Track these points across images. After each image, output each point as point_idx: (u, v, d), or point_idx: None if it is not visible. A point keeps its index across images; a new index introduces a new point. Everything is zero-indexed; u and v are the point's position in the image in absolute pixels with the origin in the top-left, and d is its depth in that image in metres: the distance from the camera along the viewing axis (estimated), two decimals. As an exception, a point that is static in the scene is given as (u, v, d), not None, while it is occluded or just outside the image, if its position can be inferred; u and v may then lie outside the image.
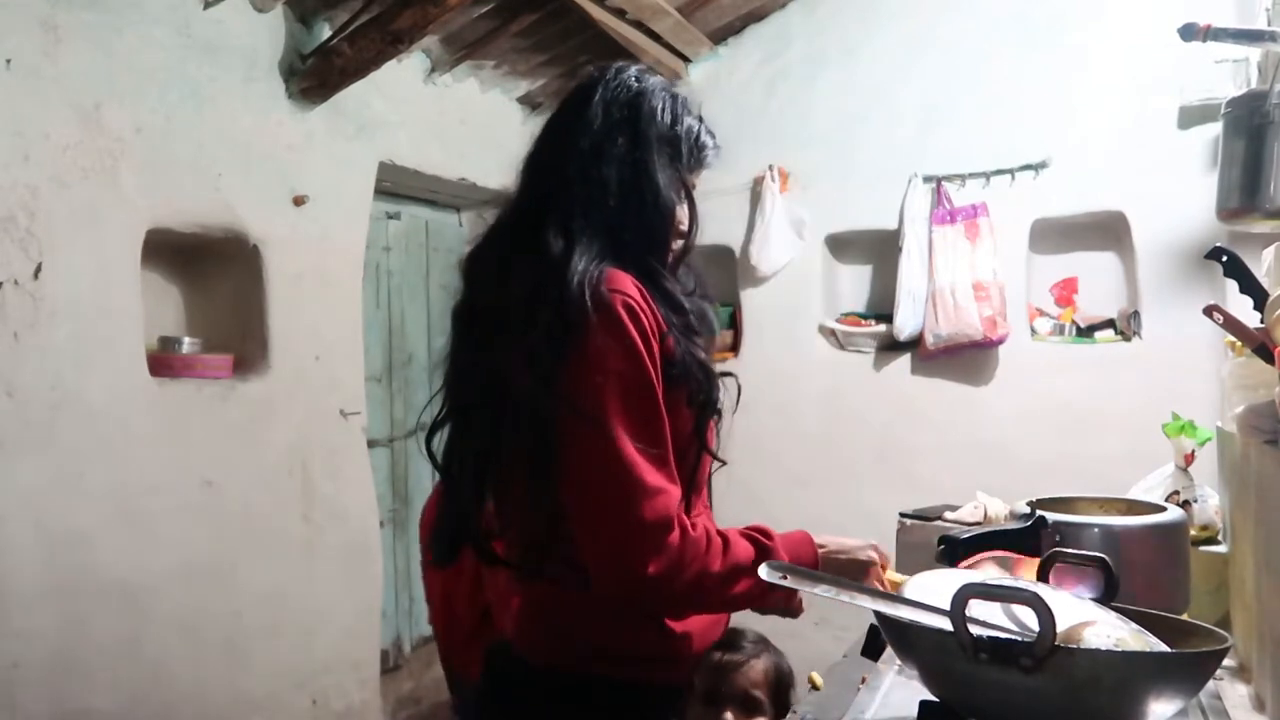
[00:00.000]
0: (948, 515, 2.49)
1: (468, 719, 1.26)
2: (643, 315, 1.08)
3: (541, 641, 1.18)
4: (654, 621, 1.16)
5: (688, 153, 1.23)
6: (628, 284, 1.09)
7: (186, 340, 2.66)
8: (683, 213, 1.23)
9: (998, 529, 1.51)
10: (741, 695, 1.63)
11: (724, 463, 1.25)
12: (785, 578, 1.08)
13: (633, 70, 1.24)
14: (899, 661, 1.30)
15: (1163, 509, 1.48)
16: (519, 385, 1.08)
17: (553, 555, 1.14)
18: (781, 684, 1.64)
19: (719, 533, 1.15)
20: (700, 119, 1.27)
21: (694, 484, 1.19)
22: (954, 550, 1.47)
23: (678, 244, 1.24)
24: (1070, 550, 1.29)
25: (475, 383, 1.17)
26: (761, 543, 1.17)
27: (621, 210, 1.15)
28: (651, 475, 1.06)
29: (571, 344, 1.05)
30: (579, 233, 1.12)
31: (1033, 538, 1.41)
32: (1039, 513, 1.42)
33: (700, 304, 1.24)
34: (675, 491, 1.09)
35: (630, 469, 1.04)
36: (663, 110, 1.21)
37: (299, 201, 2.83)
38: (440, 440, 1.20)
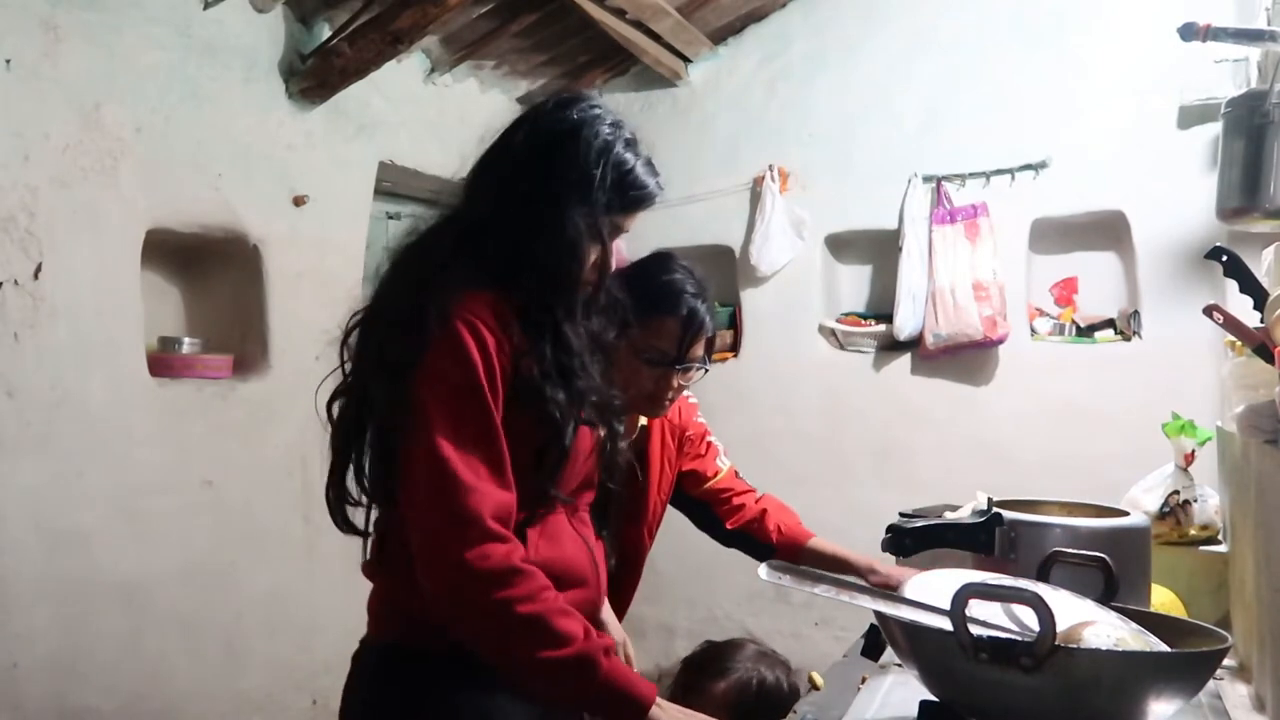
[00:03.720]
0: (948, 515, 2.49)
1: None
2: (488, 334, 1.13)
3: (390, 626, 1.24)
4: None
5: (614, 194, 1.21)
6: (483, 309, 1.14)
7: (186, 340, 2.66)
8: (595, 253, 1.22)
9: (949, 522, 1.52)
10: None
11: (564, 500, 1.24)
12: (784, 577, 1.09)
13: (580, 104, 1.24)
14: (899, 661, 1.30)
15: (1125, 514, 1.48)
16: (373, 383, 1.17)
17: (398, 544, 1.18)
18: (756, 708, 1.60)
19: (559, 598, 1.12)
20: (640, 157, 1.24)
21: (537, 503, 1.20)
22: (901, 540, 1.47)
23: (593, 280, 1.24)
24: (1070, 550, 1.29)
25: (368, 364, 1.22)
26: (591, 636, 1.11)
27: (525, 242, 1.18)
28: (467, 473, 1.09)
29: (415, 354, 1.12)
30: (468, 255, 1.18)
31: (986, 534, 1.41)
32: (995, 510, 1.43)
33: (599, 358, 1.27)
34: (498, 494, 1.11)
35: (443, 465, 1.08)
36: (589, 148, 1.20)
37: (299, 201, 2.83)
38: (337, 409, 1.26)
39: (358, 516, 1.27)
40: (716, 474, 1.97)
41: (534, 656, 1.08)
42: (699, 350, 1.66)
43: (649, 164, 1.26)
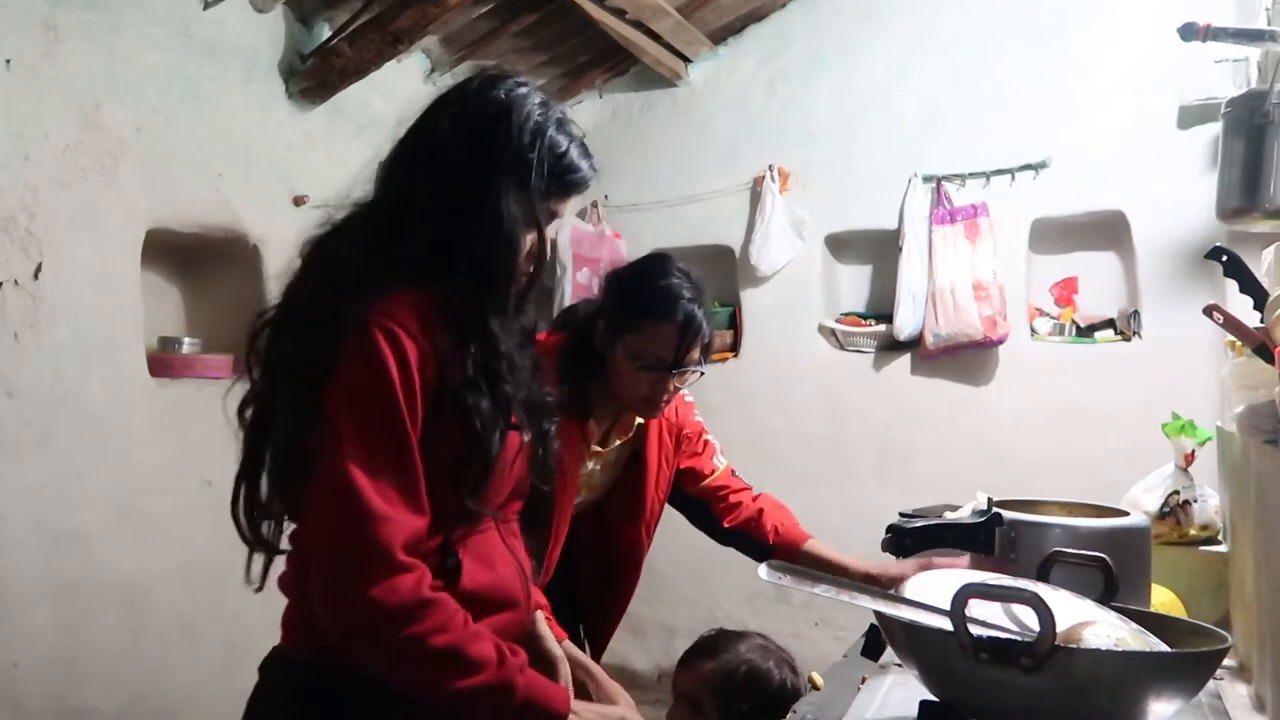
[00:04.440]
0: (948, 515, 2.49)
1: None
2: (408, 342, 1.04)
3: (309, 638, 1.13)
4: None
5: (547, 177, 1.13)
6: (403, 311, 1.05)
7: (186, 340, 2.66)
8: (530, 242, 1.14)
9: (949, 522, 1.51)
10: (688, 695, 1.64)
11: (492, 515, 1.16)
12: (784, 577, 1.08)
13: (506, 83, 1.15)
14: (899, 661, 1.30)
15: (1125, 514, 1.48)
16: (282, 390, 1.09)
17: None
18: (732, 691, 1.61)
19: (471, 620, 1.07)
20: (575, 138, 1.17)
21: (465, 519, 1.12)
22: (901, 540, 1.47)
23: (528, 271, 1.16)
24: (1070, 550, 1.29)
25: (275, 370, 1.14)
26: (506, 658, 1.06)
27: (452, 234, 1.09)
28: (379, 501, 1.01)
29: (330, 362, 1.04)
30: (386, 253, 1.08)
31: (986, 534, 1.41)
32: (995, 510, 1.43)
33: (531, 354, 1.19)
34: (411, 522, 1.03)
35: (353, 492, 1.00)
36: (521, 130, 1.11)
37: (299, 201, 2.83)
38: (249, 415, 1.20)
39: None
40: (713, 472, 1.98)
41: (450, 687, 1.03)
42: (695, 354, 1.65)
43: (583, 145, 1.19)
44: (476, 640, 1.05)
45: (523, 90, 1.16)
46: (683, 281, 1.65)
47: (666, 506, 2.00)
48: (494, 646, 1.06)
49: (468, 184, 1.10)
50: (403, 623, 1.01)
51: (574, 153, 1.16)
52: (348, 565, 1.01)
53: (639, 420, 1.82)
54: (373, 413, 1.03)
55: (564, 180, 1.16)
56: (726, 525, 1.94)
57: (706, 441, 1.99)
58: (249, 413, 1.18)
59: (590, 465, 1.81)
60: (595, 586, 1.97)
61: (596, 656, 1.88)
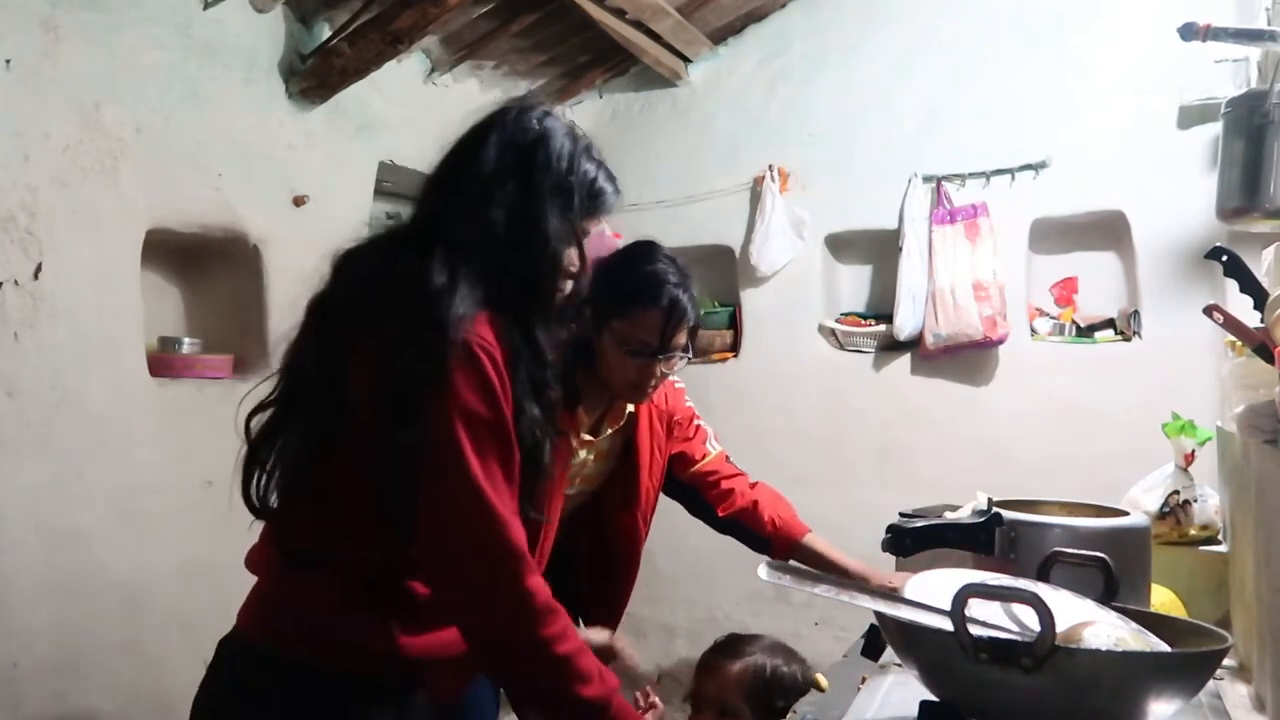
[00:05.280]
0: (948, 515, 2.49)
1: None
2: (500, 361, 1.13)
3: (275, 629, 1.22)
4: (391, 622, 1.17)
5: (582, 200, 1.24)
6: (488, 333, 1.13)
7: (186, 340, 2.66)
8: (572, 259, 1.25)
9: (949, 522, 1.52)
10: (716, 700, 1.62)
11: (544, 519, 1.29)
12: (784, 577, 1.09)
13: (536, 112, 1.26)
14: (899, 661, 1.30)
15: (1125, 514, 1.48)
16: (375, 409, 1.12)
17: (332, 553, 1.17)
18: (766, 689, 1.61)
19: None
20: (600, 164, 1.28)
21: (528, 527, 1.20)
22: (901, 540, 1.47)
23: (566, 287, 1.26)
24: (1070, 550, 1.29)
25: (315, 380, 1.20)
26: (606, 675, 1.17)
27: (507, 256, 1.18)
28: (503, 507, 1.11)
29: (435, 384, 1.10)
30: (461, 274, 1.15)
31: (986, 534, 1.41)
32: (995, 510, 1.43)
33: (558, 364, 1.27)
34: (523, 531, 1.13)
35: (482, 498, 1.09)
36: (559, 157, 1.22)
37: (299, 201, 2.83)
38: (259, 421, 1.27)
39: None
40: (705, 457, 1.99)
41: (570, 692, 1.12)
42: (681, 339, 1.69)
43: (607, 170, 1.29)
44: (585, 654, 1.15)
45: (554, 120, 1.26)
46: (668, 268, 1.69)
47: (667, 500, 2.01)
48: (595, 662, 1.16)
49: (519, 211, 1.19)
50: (538, 623, 1.11)
51: (602, 176, 1.27)
52: (495, 567, 1.10)
53: (630, 409, 1.83)
54: (486, 426, 1.11)
55: (595, 202, 1.26)
56: (721, 514, 1.95)
57: (698, 427, 2.01)
58: (261, 417, 1.26)
59: (583, 455, 1.82)
60: (594, 579, 1.98)
61: None
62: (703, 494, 1.98)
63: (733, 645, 1.72)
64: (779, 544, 1.91)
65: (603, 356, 1.70)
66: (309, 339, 1.24)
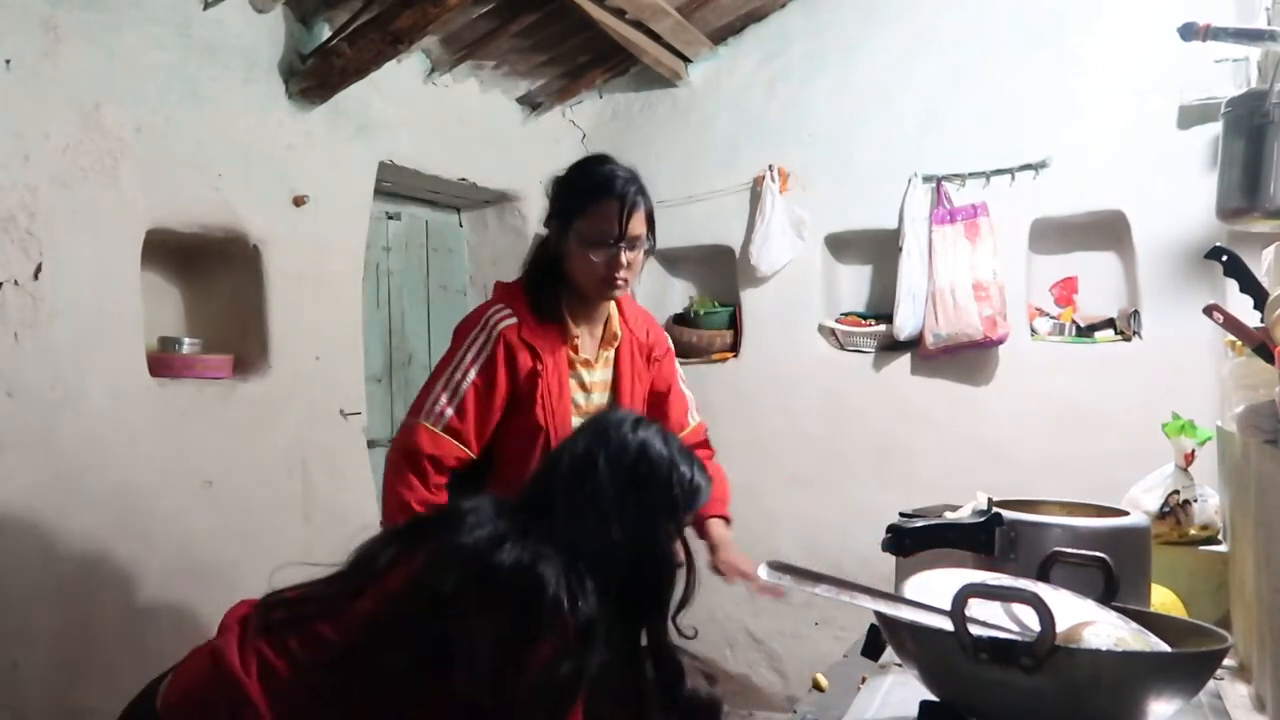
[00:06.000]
0: (948, 515, 2.49)
1: None
2: None
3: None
4: None
5: (685, 503, 1.34)
6: None
7: (186, 340, 2.66)
8: (680, 557, 1.36)
9: (949, 522, 1.52)
10: None
11: None
12: (784, 577, 1.09)
13: (629, 424, 1.34)
14: (899, 661, 1.30)
15: (1125, 514, 1.48)
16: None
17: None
18: None
19: None
20: (688, 457, 1.35)
21: None
22: (901, 540, 1.47)
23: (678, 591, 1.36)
24: (1070, 550, 1.29)
25: (452, 577, 1.19)
26: None
27: (633, 577, 1.27)
28: None
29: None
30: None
31: (986, 534, 1.41)
32: (995, 510, 1.43)
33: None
34: None
35: None
36: (665, 474, 1.31)
37: (299, 201, 2.83)
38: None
39: None
40: (684, 429, 2.13)
41: None
42: (639, 227, 1.86)
43: (692, 462, 1.37)
44: None
45: (649, 426, 1.36)
46: (615, 167, 1.88)
47: None
48: None
49: (636, 536, 1.29)
50: None
51: (695, 473, 1.36)
52: None
53: (618, 332, 2.00)
54: None
55: (693, 500, 1.36)
56: None
57: (683, 395, 2.17)
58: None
59: (585, 375, 1.97)
60: None
61: None
62: None
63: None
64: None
65: (573, 262, 1.87)
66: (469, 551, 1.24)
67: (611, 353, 2.00)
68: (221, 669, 1.19)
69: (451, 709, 1.13)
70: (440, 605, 1.15)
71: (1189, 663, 1.04)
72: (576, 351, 1.94)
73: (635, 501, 1.28)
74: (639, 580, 1.27)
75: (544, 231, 1.99)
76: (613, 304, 2.00)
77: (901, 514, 2.62)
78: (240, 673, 1.17)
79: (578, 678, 1.15)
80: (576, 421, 1.87)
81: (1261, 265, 1.78)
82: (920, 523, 1.49)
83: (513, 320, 1.86)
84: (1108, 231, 3.41)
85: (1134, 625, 1.14)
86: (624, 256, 1.84)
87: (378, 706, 1.15)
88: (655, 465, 1.30)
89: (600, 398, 1.99)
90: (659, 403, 2.12)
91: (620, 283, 1.87)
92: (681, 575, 1.36)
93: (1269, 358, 1.36)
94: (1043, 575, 1.27)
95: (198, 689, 1.22)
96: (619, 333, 2.00)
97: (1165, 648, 1.10)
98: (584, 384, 1.96)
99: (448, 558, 1.20)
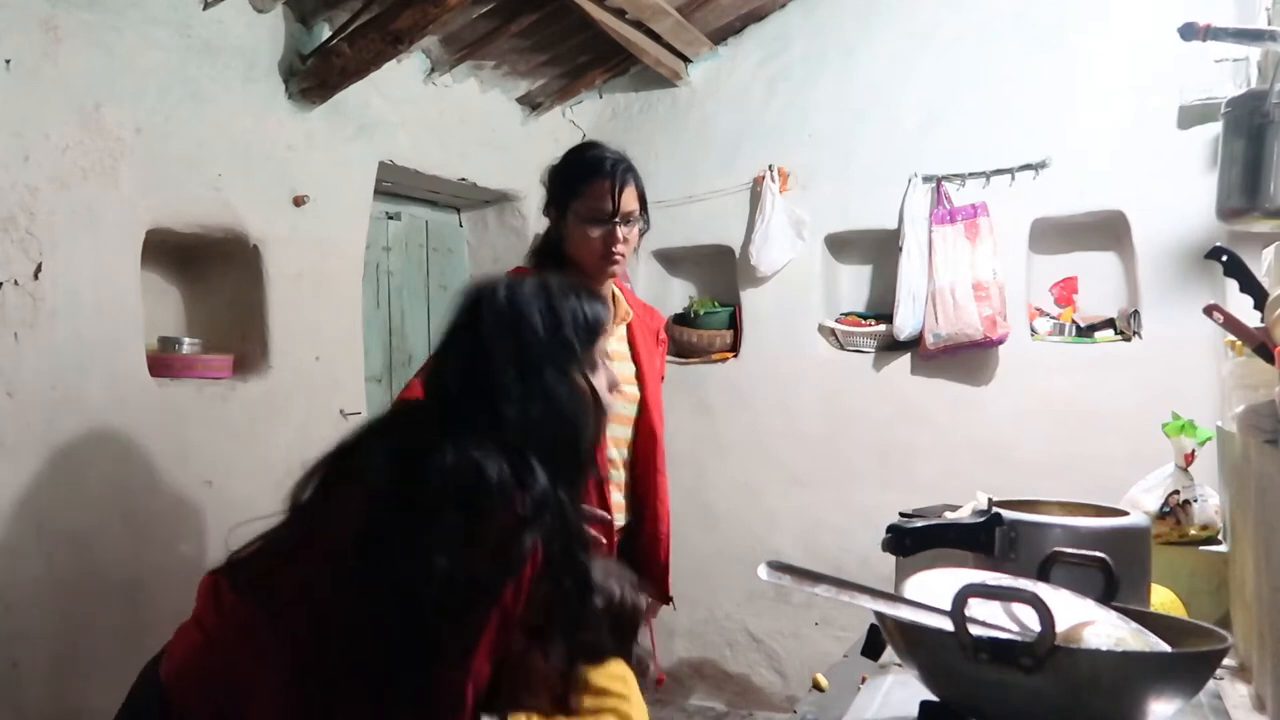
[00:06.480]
0: (948, 515, 2.49)
1: None
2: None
3: (199, 692, 1.21)
4: None
5: (582, 339, 1.28)
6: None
7: (186, 340, 2.66)
8: (590, 398, 1.28)
9: (950, 522, 1.52)
10: None
11: None
12: (784, 577, 1.09)
13: (501, 289, 1.28)
14: (899, 661, 1.30)
15: (1125, 514, 1.48)
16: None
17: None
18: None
19: None
20: (577, 293, 1.30)
21: None
22: (901, 540, 1.47)
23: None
24: (1070, 550, 1.29)
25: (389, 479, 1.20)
26: None
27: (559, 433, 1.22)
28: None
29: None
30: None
31: (986, 534, 1.41)
32: (995, 510, 1.43)
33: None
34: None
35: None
36: (541, 321, 1.25)
37: (299, 201, 2.83)
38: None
39: None
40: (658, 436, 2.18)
41: None
42: (632, 204, 1.97)
43: (581, 297, 1.34)
44: None
45: (520, 290, 1.29)
46: (604, 150, 2.01)
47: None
48: None
49: (530, 396, 1.23)
50: None
51: (584, 305, 1.30)
52: None
53: (628, 310, 2.08)
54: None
55: (594, 332, 1.31)
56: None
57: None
58: None
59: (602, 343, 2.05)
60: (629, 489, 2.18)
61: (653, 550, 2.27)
62: None
63: None
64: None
65: (573, 242, 1.98)
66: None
67: (624, 329, 2.09)
68: (207, 632, 1.23)
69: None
70: (396, 512, 1.15)
71: (1189, 663, 1.04)
72: None
73: (533, 364, 1.23)
74: (564, 434, 1.22)
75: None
76: (617, 289, 2.08)
77: (901, 514, 2.63)
78: (225, 632, 1.21)
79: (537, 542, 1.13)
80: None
81: (1261, 265, 1.79)
82: (920, 523, 1.49)
83: None
84: (1108, 231, 3.41)
85: (1134, 625, 1.14)
86: (620, 232, 1.95)
87: (357, 624, 1.14)
88: (535, 322, 1.25)
89: (621, 367, 2.03)
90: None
91: (618, 257, 1.97)
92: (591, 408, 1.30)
93: (1269, 358, 1.36)
94: (1043, 575, 1.27)
95: (194, 656, 1.26)
96: (630, 311, 2.10)
97: (1165, 648, 1.10)
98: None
99: (378, 460, 1.22)
